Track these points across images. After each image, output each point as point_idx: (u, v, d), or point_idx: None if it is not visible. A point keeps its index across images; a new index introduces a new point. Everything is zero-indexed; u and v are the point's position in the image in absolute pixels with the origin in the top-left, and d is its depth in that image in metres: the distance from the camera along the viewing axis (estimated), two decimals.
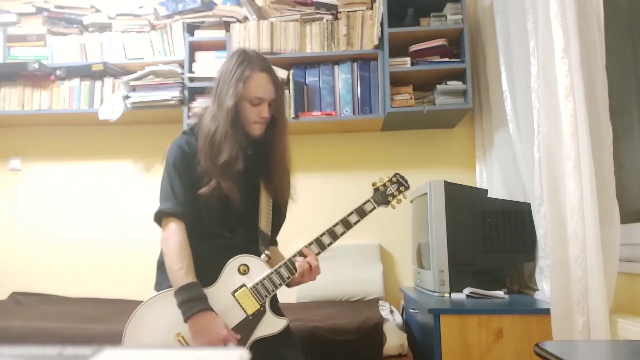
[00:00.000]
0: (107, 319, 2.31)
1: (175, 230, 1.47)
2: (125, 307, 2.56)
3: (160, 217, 1.51)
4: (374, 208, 1.62)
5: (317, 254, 1.54)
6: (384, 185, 1.65)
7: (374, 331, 1.97)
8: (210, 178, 1.49)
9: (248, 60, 1.55)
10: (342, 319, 2.09)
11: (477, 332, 1.69)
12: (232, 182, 1.49)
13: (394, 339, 1.99)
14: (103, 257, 2.99)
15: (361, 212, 1.59)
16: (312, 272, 1.52)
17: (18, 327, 2.11)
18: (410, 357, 2.00)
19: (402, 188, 1.67)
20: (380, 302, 2.56)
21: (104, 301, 2.80)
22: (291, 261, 1.51)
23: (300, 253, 1.53)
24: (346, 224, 1.57)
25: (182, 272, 1.42)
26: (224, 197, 1.49)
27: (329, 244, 1.55)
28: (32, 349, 0.35)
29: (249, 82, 1.53)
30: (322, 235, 1.55)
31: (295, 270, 1.50)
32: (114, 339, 1.97)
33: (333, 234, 1.55)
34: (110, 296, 2.86)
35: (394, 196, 1.65)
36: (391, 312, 2.43)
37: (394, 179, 1.67)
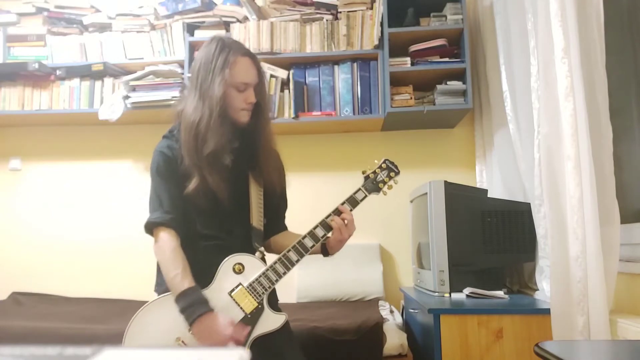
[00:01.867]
0: (107, 319, 2.31)
1: (166, 239, 1.46)
2: (125, 307, 2.56)
3: (150, 228, 1.50)
4: (366, 196, 1.60)
5: (312, 247, 1.52)
6: (374, 172, 1.63)
7: (374, 331, 1.97)
8: (195, 175, 1.47)
9: (228, 46, 1.53)
10: (342, 319, 2.09)
11: (477, 332, 1.69)
12: (219, 177, 1.47)
13: (394, 339, 1.99)
14: (103, 257, 2.99)
15: (353, 202, 1.57)
16: (348, 227, 1.53)
17: (18, 327, 2.11)
18: (410, 357, 2.00)
19: (392, 174, 1.64)
20: (380, 302, 2.56)
21: (104, 301, 2.80)
22: (300, 243, 1.50)
23: (324, 223, 1.52)
24: (338, 215, 1.55)
25: (178, 279, 1.41)
26: (212, 195, 1.47)
27: (323, 236, 1.53)
28: (32, 349, 0.35)
29: (234, 68, 1.50)
30: (315, 228, 1.53)
31: (304, 253, 1.49)
32: (114, 339, 1.98)
33: (326, 226, 1.53)
34: (110, 296, 2.86)
35: (384, 182, 1.63)
36: (391, 312, 2.43)
37: (384, 165, 1.64)
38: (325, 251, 1.59)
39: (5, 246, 3.07)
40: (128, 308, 2.50)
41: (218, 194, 1.47)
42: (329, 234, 1.54)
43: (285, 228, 1.75)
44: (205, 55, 1.53)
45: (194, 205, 1.50)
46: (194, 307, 1.38)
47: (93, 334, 2.04)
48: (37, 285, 2.96)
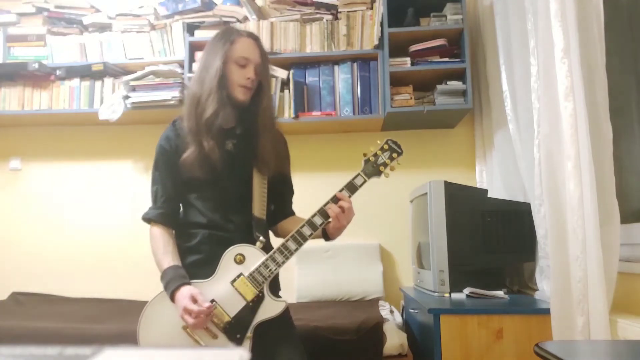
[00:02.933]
0: (107, 319, 2.31)
1: (155, 231, 1.58)
2: (125, 307, 2.56)
3: (147, 222, 1.62)
4: (365, 181, 1.56)
5: (310, 235, 1.53)
6: (375, 155, 1.59)
7: (374, 331, 1.97)
8: (192, 144, 1.53)
9: (233, 29, 1.63)
10: (342, 319, 2.09)
11: (477, 332, 1.69)
12: (214, 142, 1.53)
13: (394, 339, 1.99)
14: (103, 257, 2.99)
15: (352, 187, 1.56)
16: (346, 214, 1.52)
17: (18, 327, 2.11)
18: (410, 357, 2.00)
19: (394, 155, 1.59)
20: (380, 302, 2.56)
21: (104, 301, 2.80)
22: (310, 222, 1.52)
23: (322, 211, 1.53)
24: (336, 202, 1.55)
25: (160, 262, 1.53)
26: (209, 166, 1.52)
27: (321, 224, 1.54)
28: (32, 349, 0.35)
29: (235, 44, 1.57)
30: (313, 216, 1.53)
31: (304, 240, 1.52)
32: (114, 339, 1.98)
33: (324, 214, 1.53)
34: (110, 296, 2.86)
35: (385, 165, 1.58)
36: (391, 312, 2.43)
37: (386, 146, 1.60)
38: (326, 236, 1.60)
39: (6, 246, 3.07)
40: (128, 308, 2.50)
41: (212, 157, 1.52)
42: (329, 221, 1.54)
43: (292, 213, 1.77)
44: (212, 41, 1.62)
45: (191, 185, 1.57)
46: (170, 283, 1.47)
47: (93, 334, 2.04)
48: (37, 285, 2.95)
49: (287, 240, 1.52)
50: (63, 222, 3.05)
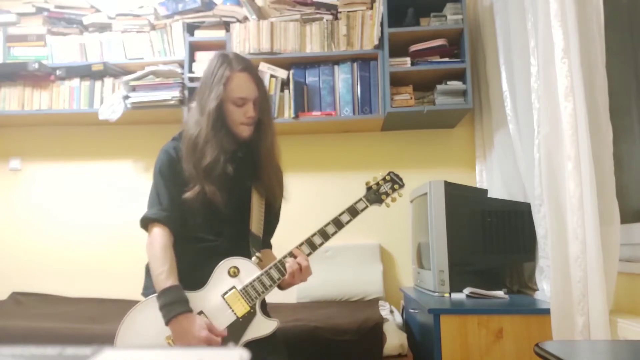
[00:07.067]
0: (107, 319, 2.31)
1: (158, 234, 1.48)
2: (125, 307, 2.54)
3: (146, 223, 1.52)
4: (367, 207, 1.61)
5: (309, 254, 1.53)
6: (377, 184, 1.65)
7: (374, 331, 1.97)
8: (195, 183, 1.49)
9: (227, 62, 1.54)
10: (342, 319, 2.09)
11: (477, 332, 1.69)
12: (215, 186, 1.48)
13: (394, 339, 1.99)
14: (103, 257, 2.99)
15: (353, 211, 1.58)
16: (302, 273, 1.50)
17: (18, 327, 2.11)
18: (410, 357, 2.00)
19: (396, 186, 1.66)
20: (380, 302, 2.56)
21: (104, 301, 2.80)
22: (281, 262, 1.50)
23: (291, 254, 1.52)
24: (338, 224, 1.56)
25: (163, 276, 1.43)
26: (208, 202, 1.49)
27: (320, 244, 1.54)
28: (32, 349, 0.35)
29: (230, 83, 1.52)
30: (313, 235, 1.54)
31: (285, 271, 1.49)
32: (114, 339, 1.98)
33: (324, 234, 1.55)
34: (110, 296, 2.86)
35: (387, 194, 1.64)
36: (391, 312, 2.43)
37: (388, 177, 1.66)
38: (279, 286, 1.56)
39: (5, 246, 3.07)
40: (128, 308, 2.49)
41: (215, 201, 1.49)
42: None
43: (269, 246, 1.75)
44: (207, 71, 1.57)
45: (190, 210, 1.52)
46: (172, 305, 1.39)
47: (93, 334, 2.04)
48: (37, 285, 2.95)
49: (284, 257, 1.51)
50: (63, 222, 3.05)
